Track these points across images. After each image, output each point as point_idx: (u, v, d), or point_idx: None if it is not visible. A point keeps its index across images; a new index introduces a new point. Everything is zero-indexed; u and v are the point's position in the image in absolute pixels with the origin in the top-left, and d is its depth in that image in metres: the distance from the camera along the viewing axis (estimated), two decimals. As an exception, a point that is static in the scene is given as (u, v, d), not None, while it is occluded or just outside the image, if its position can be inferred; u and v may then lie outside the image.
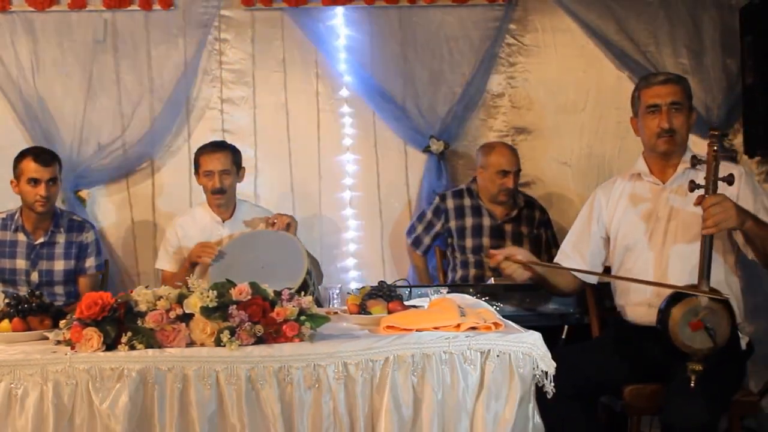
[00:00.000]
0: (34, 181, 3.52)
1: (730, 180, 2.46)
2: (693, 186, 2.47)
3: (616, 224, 2.89)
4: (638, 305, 2.78)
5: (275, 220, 3.47)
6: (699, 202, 2.46)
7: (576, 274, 2.91)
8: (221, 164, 3.63)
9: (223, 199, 3.67)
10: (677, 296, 2.46)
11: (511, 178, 3.89)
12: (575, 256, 2.95)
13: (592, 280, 2.98)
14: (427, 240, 4.09)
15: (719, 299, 2.42)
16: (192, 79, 4.27)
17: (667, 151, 2.80)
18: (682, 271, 2.62)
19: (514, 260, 2.77)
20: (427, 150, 4.28)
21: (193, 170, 3.79)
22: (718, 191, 2.47)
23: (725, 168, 2.60)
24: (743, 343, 2.72)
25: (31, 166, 3.51)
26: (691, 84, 4.11)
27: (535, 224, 4.01)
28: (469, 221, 3.97)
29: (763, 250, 2.59)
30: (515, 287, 3.19)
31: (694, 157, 2.53)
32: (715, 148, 2.44)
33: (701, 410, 2.37)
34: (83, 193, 4.19)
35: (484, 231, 3.95)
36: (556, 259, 3.02)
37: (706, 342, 2.39)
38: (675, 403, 2.42)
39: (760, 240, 2.56)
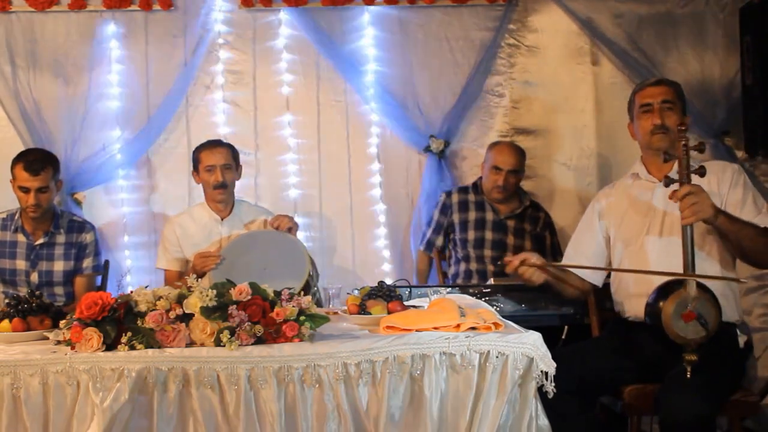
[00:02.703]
0: (25, 190, 3.52)
1: (701, 172, 2.52)
2: (668, 181, 2.53)
3: (616, 222, 2.95)
4: (637, 297, 2.79)
5: (276, 224, 3.47)
6: (673, 196, 2.52)
7: (584, 276, 2.96)
8: (223, 159, 3.64)
9: (224, 194, 3.67)
10: (666, 290, 2.51)
11: (503, 176, 3.89)
12: (578, 256, 3.00)
13: (598, 282, 3.02)
14: (439, 241, 4.11)
15: (706, 288, 2.49)
16: (191, 80, 4.27)
17: (662, 148, 2.84)
18: (679, 265, 2.62)
19: (530, 264, 2.83)
20: (427, 149, 4.29)
21: (191, 170, 3.79)
22: (693, 183, 2.52)
23: (721, 166, 2.74)
24: (741, 341, 2.75)
25: (22, 175, 3.50)
26: (690, 84, 4.17)
27: (539, 225, 4.02)
28: (472, 215, 3.99)
29: (738, 244, 2.64)
30: (515, 287, 3.19)
31: (665, 153, 2.60)
32: (684, 142, 2.50)
33: (698, 402, 2.38)
34: (79, 196, 4.19)
35: (486, 225, 3.96)
36: (562, 262, 3.07)
37: (699, 331, 2.45)
38: (671, 396, 2.45)
39: (733, 235, 2.61)
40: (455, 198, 4.05)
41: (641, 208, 2.89)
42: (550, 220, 4.08)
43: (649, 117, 2.86)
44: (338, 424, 2.14)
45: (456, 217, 4.01)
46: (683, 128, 2.53)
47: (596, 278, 2.99)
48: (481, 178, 4.07)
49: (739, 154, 4.19)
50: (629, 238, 2.89)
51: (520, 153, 3.99)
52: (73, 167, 4.15)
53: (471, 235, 3.96)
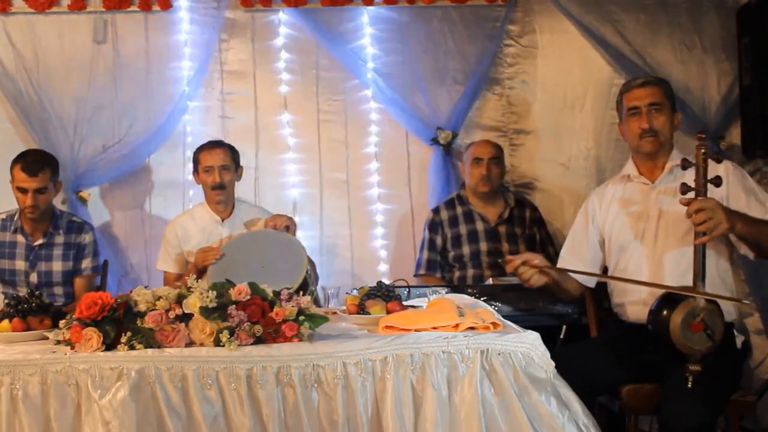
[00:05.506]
0: (23, 191, 3.52)
1: (717, 182, 2.48)
2: (685, 188, 2.48)
3: (610, 226, 2.94)
4: (635, 304, 2.80)
5: (273, 223, 3.47)
6: (687, 203, 2.47)
7: (579, 278, 2.94)
8: (221, 160, 3.65)
9: (223, 195, 3.67)
10: (671, 299, 2.48)
11: (485, 165, 3.91)
12: (575, 260, 2.99)
13: (592, 284, 3.01)
14: (438, 259, 4.05)
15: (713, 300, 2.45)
16: (192, 80, 4.26)
17: (651, 151, 2.84)
18: (676, 268, 2.63)
19: (531, 265, 2.80)
20: (434, 141, 4.28)
21: (191, 170, 3.79)
22: (708, 193, 2.48)
23: (713, 165, 2.65)
24: (739, 341, 2.75)
25: (20, 176, 3.51)
26: (688, 85, 4.17)
27: (528, 223, 4.02)
28: (463, 229, 3.97)
29: (756, 244, 2.62)
30: (514, 287, 3.19)
31: (684, 159, 2.54)
32: (704, 151, 2.45)
33: (699, 410, 2.38)
34: (84, 194, 4.19)
35: (479, 236, 3.95)
36: (558, 265, 3.04)
37: (705, 342, 2.42)
38: (673, 404, 2.44)
39: (752, 237, 2.59)
40: (444, 215, 4.03)
41: (635, 211, 2.87)
42: (537, 214, 4.08)
43: (637, 120, 2.83)
44: (337, 424, 2.14)
45: (448, 232, 3.99)
46: (703, 136, 2.48)
47: (590, 280, 2.98)
48: (462, 186, 4.08)
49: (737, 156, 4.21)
50: (625, 242, 2.87)
51: (497, 145, 4.03)
52: (75, 168, 4.15)
53: (466, 249, 3.95)
